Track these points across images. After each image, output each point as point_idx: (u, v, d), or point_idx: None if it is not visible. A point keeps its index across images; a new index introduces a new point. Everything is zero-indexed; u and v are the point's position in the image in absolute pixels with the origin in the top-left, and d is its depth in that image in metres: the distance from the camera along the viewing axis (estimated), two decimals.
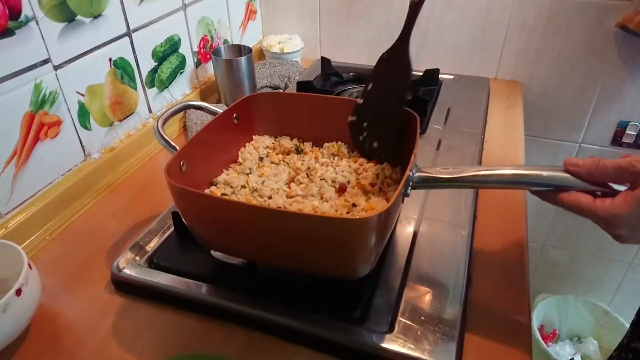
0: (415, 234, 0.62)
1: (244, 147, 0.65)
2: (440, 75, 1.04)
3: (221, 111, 0.62)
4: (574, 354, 1.31)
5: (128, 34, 0.77)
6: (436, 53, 1.11)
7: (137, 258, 0.59)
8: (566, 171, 0.44)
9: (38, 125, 0.63)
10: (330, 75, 1.05)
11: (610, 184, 0.42)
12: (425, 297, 0.53)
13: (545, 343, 1.25)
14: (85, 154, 0.73)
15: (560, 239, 1.28)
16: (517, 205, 0.70)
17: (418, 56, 1.13)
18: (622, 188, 0.42)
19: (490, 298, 0.55)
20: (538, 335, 1.21)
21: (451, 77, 1.08)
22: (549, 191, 0.45)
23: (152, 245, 0.61)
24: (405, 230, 0.63)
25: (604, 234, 0.43)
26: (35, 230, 0.64)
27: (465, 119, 0.92)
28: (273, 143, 0.67)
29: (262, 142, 0.66)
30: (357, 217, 0.49)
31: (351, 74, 1.06)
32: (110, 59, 0.74)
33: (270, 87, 1.03)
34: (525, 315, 0.53)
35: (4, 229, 0.60)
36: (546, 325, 1.36)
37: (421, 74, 1.02)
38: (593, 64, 1.00)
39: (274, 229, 0.45)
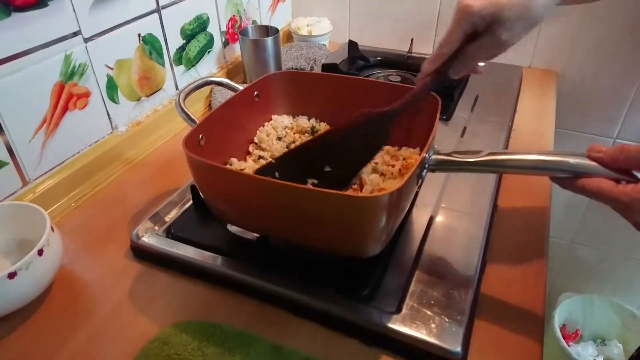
0: (431, 219, 0.61)
1: (263, 126, 0.66)
2: None
3: (242, 88, 0.62)
4: (597, 356, 1.27)
5: (157, 10, 0.78)
6: None
7: (156, 227, 0.60)
8: (589, 157, 0.42)
9: (67, 96, 0.66)
10: (356, 58, 1.04)
11: (634, 172, 0.41)
12: (436, 281, 0.52)
13: (567, 343, 1.22)
14: (112, 127, 0.75)
15: (590, 237, 1.24)
16: (541, 196, 0.68)
17: None
18: None
19: (505, 288, 0.53)
20: (559, 334, 1.18)
21: (482, 64, 1.05)
22: (570, 178, 0.44)
23: (171, 216, 0.62)
24: (421, 214, 0.62)
25: (635, 233, 0.42)
26: (61, 197, 0.67)
27: (494, 107, 0.89)
28: (291, 123, 0.67)
29: (281, 122, 0.66)
30: (368, 195, 0.49)
31: (378, 58, 1.05)
32: (139, 35, 0.76)
33: (296, 69, 1.03)
34: (539, 308, 0.51)
35: (31, 194, 0.63)
36: (569, 324, 1.33)
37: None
38: (634, 54, 0.96)
39: (286, 204, 0.46)
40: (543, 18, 0.48)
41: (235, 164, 0.60)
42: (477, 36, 0.48)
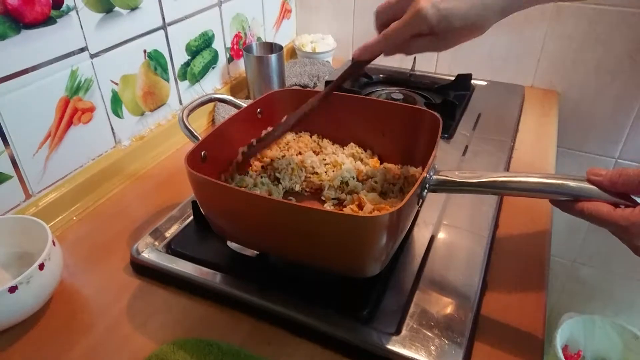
0: (432, 239, 0.61)
1: None
2: (473, 81, 1.03)
3: (245, 105, 0.63)
4: None
5: (163, 27, 0.80)
6: (471, 58, 1.09)
7: (156, 243, 0.60)
8: (588, 180, 0.43)
9: (72, 110, 0.66)
10: (360, 76, 1.05)
11: (633, 197, 0.41)
12: (436, 302, 0.52)
13: None
14: (115, 141, 0.76)
15: (592, 257, 1.23)
16: (543, 217, 0.67)
17: (452, 61, 1.11)
18: None
19: (505, 309, 0.53)
20: (561, 355, 1.16)
21: (484, 83, 1.06)
22: (569, 201, 0.44)
23: (171, 232, 0.62)
24: (422, 234, 0.62)
25: None
26: (63, 211, 0.67)
27: (496, 126, 0.90)
28: (294, 139, 0.68)
29: (284, 138, 0.67)
30: (368, 215, 0.49)
31: (381, 75, 1.06)
32: (145, 51, 0.77)
33: (299, 85, 1.04)
34: (539, 330, 0.51)
35: (34, 207, 0.63)
36: (571, 345, 1.31)
37: (453, 78, 1.01)
38: (634, 76, 0.96)
39: (285, 222, 0.46)
40: (487, 29, 0.50)
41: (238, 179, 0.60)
42: (420, 35, 0.50)
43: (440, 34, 0.49)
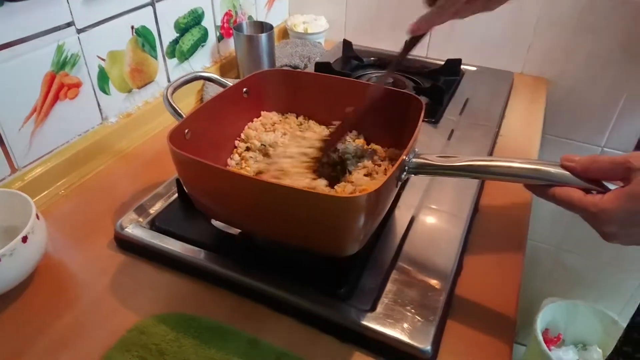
0: (412, 220, 0.62)
1: (252, 122, 0.67)
2: (462, 66, 1.03)
3: (231, 84, 0.63)
4: None
5: (152, 3, 0.79)
6: (462, 43, 1.09)
7: (140, 219, 0.61)
8: (562, 166, 0.43)
9: (58, 86, 0.66)
10: (350, 58, 1.05)
11: (605, 183, 0.42)
12: (411, 281, 0.53)
13: (548, 347, 1.24)
14: (102, 117, 0.76)
15: (576, 244, 1.26)
16: (522, 201, 0.69)
17: (443, 45, 1.11)
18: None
19: (479, 290, 0.55)
20: (540, 338, 1.20)
21: (474, 68, 1.06)
22: (543, 186, 0.45)
23: (155, 209, 0.63)
24: (403, 215, 0.63)
25: None
26: (49, 185, 0.68)
27: (483, 112, 0.90)
28: (280, 120, 0.68)
29: (269, 119, 0.67)
30: (346, 195, 0.50)
31: (372, 58, 1.06)
32: (132, 27, 0.76)
33: (290, 66, 1.03)
34: (512, 311, 0.53)
35: (20, 182, 0.64)
36: (551, 329, 1.34)
37: (442, 63, 1.01)
38: (624, 66, 0.97)
39: (265, 201, 0.46)
40: None
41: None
42: None
43: None
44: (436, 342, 0.48)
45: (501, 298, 0.54)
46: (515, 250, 0.61)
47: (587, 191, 0.42)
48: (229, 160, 0.63)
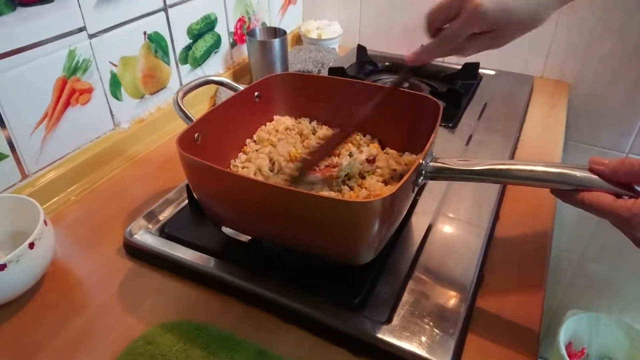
0: (430, 228, 0.60)
1: (264, 125, 0.65)
2: (480, 70, 1.01)
3: (242, 88, 0.62)
4: None
5: (164, 9, 0.79)
6: None
7: (150, 226, 0.60)
8: (590, 170, 0.41)
9: (70, 91, 0.66)
10: (365, 63, 1.03)
11: (636, 187, 0.39)
12: (430, 291, 0.51)
13: None
14: (114, 123, 0.75)
15: (600, 253, 1.21)
16: (546, 209, 0.66)
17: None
18: None
19: (501, 302, 0.52)
20: (563, 352, 1.15)
21: (492, 72, 1.04)
22: (570, 191, 0.42)
23: (165, 215, 0.62)
24: (419, 223, 0.61)
25: None
26: (60, 192, 0.67)
27: (502, 116, 0.87)
28: (293, 125, 0.66)
29: (282, 123, 0.66)
30: (360, 200, 0.48)
31: (386, 63, 1.04)
32: (145, 33, 0.76)
33: (303, 72, 1.02)
34: (536, 325, 0.50)
35: (31, 187, 0.63)
36: (575, 342, 1.29)
37: (460, 67, 0.99)
38: None
39: (277, 206, 0.45)
40: (546, 20, 0.49)
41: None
42: (476, 34, 0.50)
43: (499, 30, 0.48)
44: (456, 357, 0.45)
45: (524, 310, 0.51)
46: (538, 259, 0.58)
47: (618, 196, 0.39)
48: (232, 161, 0.61)
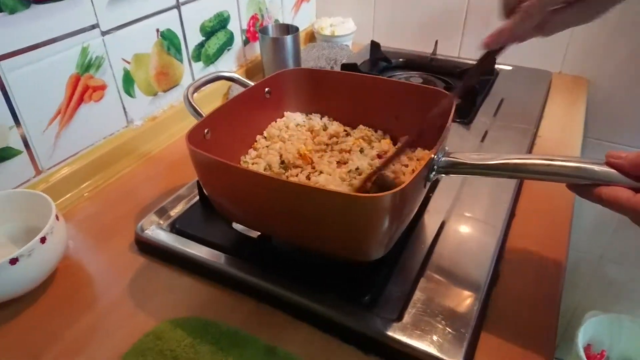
0: (443, 225, 0.59)
1: (275, 122, 0.65)
2: (497, 66, 0.99)
3: (253, 84, 0.61)
4: None
5: (177, 6, 0.79)
6: None
7: (161, 222, 0.60)
8: (607, 163, 0.39)
9: (83, 88, 0.66)
10: (378, 59, 1.02)
11: None
12: (442, 290, 0.49)
13: None
14: (127, 120, 0.76)
15: (620, 253, 1.17)
16: (563, 207, 0.64)
17: (476, 45, 1.06)
18: None
19: (516, 302, 0.50)
20: (582, 354, 1.12)
21: (509, 68, 1.01)
22: (587, 186, 0.41)
23: (176, 211, 0.62)
24: (432, 220, 0.60)
25: None
26: (73, 188, 0.68)
27: (518, 113, 0.86)
28: (304, 121, 0.66)
29: (293, 119, 0.65)
30: (369, 195, 0.47)
31: (400, 59, 1.03)
32: (157, 30, 0.76)
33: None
34: (552, 325, 0.48)
35: (44, 183, 0.64)
36: (594, 344, 1.26)
37: (475, 62, 0.97)
38: None
39: (286, 201, 0.44)
40: None
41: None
42: (561, 7, 0.44)
43: (587, 1, 0.44)
44: (469, 356, 0.44)
45: (540, 310, 0.50)
46: (555, 257, 0.56)
47: (637, 190, 0.38)
48: (242, 157, 0.60)
